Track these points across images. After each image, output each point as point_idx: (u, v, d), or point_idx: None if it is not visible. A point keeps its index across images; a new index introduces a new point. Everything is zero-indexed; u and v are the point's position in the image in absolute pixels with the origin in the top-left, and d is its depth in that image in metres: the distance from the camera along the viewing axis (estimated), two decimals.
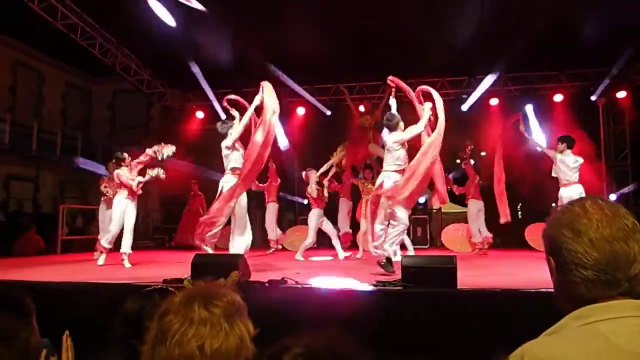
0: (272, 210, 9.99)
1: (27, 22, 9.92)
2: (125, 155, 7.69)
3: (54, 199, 14.69)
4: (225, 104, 7.14)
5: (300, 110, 12.94)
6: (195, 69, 11.08)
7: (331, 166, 9.14)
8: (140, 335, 1.37)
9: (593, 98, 11.56)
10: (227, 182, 6.45)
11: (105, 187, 8.67)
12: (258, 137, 6.30)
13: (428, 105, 6.30)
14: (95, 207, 11.16)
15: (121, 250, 7.29)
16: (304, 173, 9.17)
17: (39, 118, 14.44)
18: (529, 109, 11.39)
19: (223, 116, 12.96)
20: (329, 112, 12.54)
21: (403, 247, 8.16)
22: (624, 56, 10.11)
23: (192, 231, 11.02)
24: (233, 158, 6.52)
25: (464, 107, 11.95)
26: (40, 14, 9.07)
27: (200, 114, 13.28)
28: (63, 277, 5.73)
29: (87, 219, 12.85)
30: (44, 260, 8.32)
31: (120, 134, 15.69)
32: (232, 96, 7.19)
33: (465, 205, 9.97)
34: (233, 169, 6.49)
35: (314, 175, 8.86)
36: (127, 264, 7.17)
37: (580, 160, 7.53)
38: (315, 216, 8.69)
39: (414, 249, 8.59)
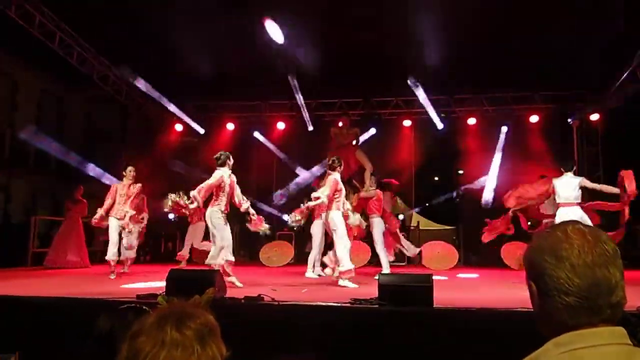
0: None
1: (2, 28, 9.73)
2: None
3: (25, 210, 14.34)
4: None
5: (281, 125, 12.97)
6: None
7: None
8: (112, 354, 1.33)
9: (569, 120, 11.87)
10: None
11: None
12: None
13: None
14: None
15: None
16: (315, 180, 9.17)
17: (11, 126, 14.14)
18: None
19: (201, 130, 13.02)
20: (310, 128, 12.56)
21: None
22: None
23: (73, 249, 9.77)
24: None
25: (440, 126, 12.23)
26: (17, 20, 8.92)
27: (178, 127, 13.21)
28: (33, 291, 5.56)
29: None
30: (13, 274, 8.10)
31: (96, 143, 15.47)
32: None
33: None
34: None
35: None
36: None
37: None
38: (319, 227, 8.47)
39: (392, 266, 8.60)
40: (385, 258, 8.32)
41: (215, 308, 1.36)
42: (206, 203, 6.70)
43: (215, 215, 6.53)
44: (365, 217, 8.78)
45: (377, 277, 6.88)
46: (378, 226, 8.40)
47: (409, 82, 10.57)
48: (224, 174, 6.64)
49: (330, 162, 7.15)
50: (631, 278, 6.27)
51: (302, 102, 11.75)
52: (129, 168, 8.39)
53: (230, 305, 4.47)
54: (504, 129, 12.22)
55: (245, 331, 3.83)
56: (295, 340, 4.00)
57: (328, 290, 6.23)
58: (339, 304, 4.61)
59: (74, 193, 10.20)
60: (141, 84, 11.17)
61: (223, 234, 6.52)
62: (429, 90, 11.39)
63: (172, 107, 12.15)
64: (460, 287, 6.85)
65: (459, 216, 12.70)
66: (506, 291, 6.13)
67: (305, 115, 12.25)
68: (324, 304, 4.65)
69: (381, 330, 4.16)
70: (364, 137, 12.34)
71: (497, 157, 12.10)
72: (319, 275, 8.39)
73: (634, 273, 7.54)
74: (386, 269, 8.01)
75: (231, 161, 6.80)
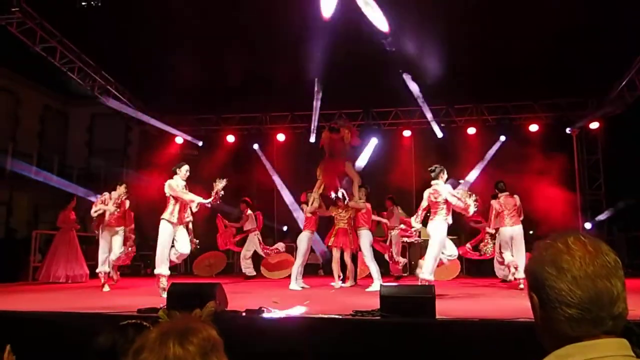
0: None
1: (4, 44, 9.80)
2: None
3: (28, 224, 14.33)
4: None
5: (281, 137, 12.99)
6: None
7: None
8: None
9: (567, 130, 11.88)
10: None
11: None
12: None
13: None
14: None
15: None
16: (303, 194, 9.09)
17: (13, 140, 14.19)
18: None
19: (199, 143, 13.03)
20: (312, 139, 12.57)
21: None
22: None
23: (68, 264, 9.36)
24: None
25: (439, 135, 12.26)
26: (19, 37, 8.98)
27: (179, 139, 13.25)
28: (34, 305, 5.55)
29: None
30: (15, 288, 8.09)
31: (98, 157, 15.51)
32: None
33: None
34: None
35: (314, 196, 8.78)
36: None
37: None
38: (305, 239, 8.52)
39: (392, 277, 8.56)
40: (375, 269, 8.18)
41: (217, 322, 1.35)
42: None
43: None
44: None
45: (368, 290, 6.88)
46: (366, 238, 8.36)
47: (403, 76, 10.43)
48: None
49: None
50: (635, 287, 6.24)
51: (318, 108, 11.75)
52: (185, 167, 6.87)
53: (232, 319, 4.45)
54: (502, 138, 12.26)
55: (247, 344, 3.82)
56: (298, 353, 3.98)
57: (330, 302, 6.21)
58: (341, 316, 4.59)
59: (67, 205, 9.99)
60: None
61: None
62: (428, 100, 11.42)
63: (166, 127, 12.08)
64: (461, 298, 6.81)
65: (460, 226, 12.63)
66: (507, 302, 6.11)
67: (315, 123, 12.30)
68: (325, 316, 4.64)
69: (383, 342, 4.14)
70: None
71: (480, 165, 12.24)
72: (302, 287, 8.34)
73: (638, 282, 7.51)
74: (378, 280, 7.87)
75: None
